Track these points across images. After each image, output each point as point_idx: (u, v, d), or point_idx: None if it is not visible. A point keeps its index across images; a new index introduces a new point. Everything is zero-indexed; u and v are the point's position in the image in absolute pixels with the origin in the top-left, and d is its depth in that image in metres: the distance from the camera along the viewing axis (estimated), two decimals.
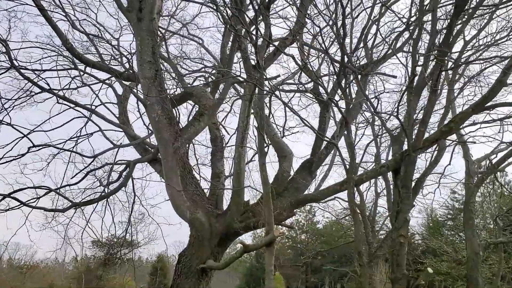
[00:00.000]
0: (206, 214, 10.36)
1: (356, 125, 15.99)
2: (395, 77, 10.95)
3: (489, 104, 8.79)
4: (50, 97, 12.31)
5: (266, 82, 10.50)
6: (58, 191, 12.62)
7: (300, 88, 13.57)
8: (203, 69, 14.32)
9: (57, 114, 11.53)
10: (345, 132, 9.54)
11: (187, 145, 12.92)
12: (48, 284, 26.77)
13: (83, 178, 13.24)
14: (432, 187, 33.50)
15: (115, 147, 11.24)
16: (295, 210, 10.83)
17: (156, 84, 10.12)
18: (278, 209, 11.03)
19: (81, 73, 12.94)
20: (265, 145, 8.39)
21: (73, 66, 12.90)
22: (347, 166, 8.47)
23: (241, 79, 9.07)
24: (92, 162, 11.16)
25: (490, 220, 20.36)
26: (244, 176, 9.97)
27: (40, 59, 12.80)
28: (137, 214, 15.54)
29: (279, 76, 11.14)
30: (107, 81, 13.46)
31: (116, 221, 14.25)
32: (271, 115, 12.10)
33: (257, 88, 8.20)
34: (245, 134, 9.22)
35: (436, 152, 12.10)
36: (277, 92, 12.41)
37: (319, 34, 9.62)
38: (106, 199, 13.53)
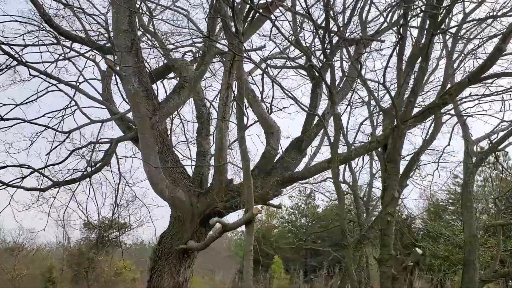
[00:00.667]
0: (186, 193, 9.82)
1: (351, 104, 15.33)
2: (382, 41, 10.26)
3: (487, 74, 8.16)
4: (37, 76, 11.70)
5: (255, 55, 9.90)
6: (43, 171, 12.18)
7: (291, 64, 12.91)
8: (192, 44, 13.69)
9: (43, 94, 10.90)
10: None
11: (171, 121, 12.38)
12: (47, 267, 26.53)
13: (67, 157, 12.71)
14: (431, 169, 32.90)
15: (92, 122, 10.65)
16: (281, 189, 10.26)
17: (133, 55, 9.51)
18: (264, 187, 10.52)
19: (65, 49, 12.30)
20: (244, 117, 7.78)
21: (55, 41, 12.27)
22: (331, 140, 7.86)
23: (220, 47, 8.43)
24: (67, 138, 10.58)
25: (492, 204, 19.78)
26: (226, 152, 9.39)
27: (22, 34, 12.16)
28: (129, 196, 15.03)
29: (264, 46, 10.47)
30: (90, 56, 12.82)
31: (108, 203, 13.84)
32: (259, 91, 11.45)
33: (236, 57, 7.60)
34: (226, 107, 8.61)
35: (432, 128, 11.48)
36: (265, 67, 11.80)
37: None
38: (89, 178, 13.06)
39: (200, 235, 10.43)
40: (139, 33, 12.99)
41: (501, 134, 13.51)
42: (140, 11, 12.08)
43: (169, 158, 9.82)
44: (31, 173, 11.48)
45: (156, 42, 13.38)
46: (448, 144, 14.36)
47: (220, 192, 9.69)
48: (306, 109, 8.45)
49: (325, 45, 7.32)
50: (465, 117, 13.58)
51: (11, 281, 22.69)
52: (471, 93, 10.18)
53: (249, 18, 8.86)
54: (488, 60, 7.64)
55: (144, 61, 9.83)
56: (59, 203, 13.34)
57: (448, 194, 37.32)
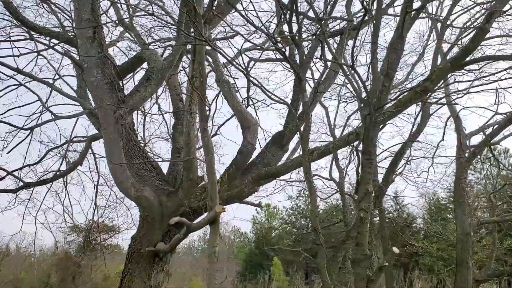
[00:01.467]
0: (155, 192, 9.21)
1: (339, 98, 14.69)
2: (351, 21, 9.60)
3: (471, 58, 7.55)
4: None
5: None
6: (20, 172, 11.67)
7: (274, 57, 12.30)
8: (171, 39, 13.09)
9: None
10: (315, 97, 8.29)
11: (144, 115, 11.80)
12: (43, 271, 26.02)
13: (43, 157, 12.16)
14: (426, 166, 32.14)
15: (56, 118, 10.03)
16: (258, 187, 9.64)
17: (95, 45, 8.92)
18: (240, 185, 9.92)
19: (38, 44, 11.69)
20: (206, 108, 7.17)
21: (28, 36, 11.67)
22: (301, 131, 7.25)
23: (184, 35, 7.83)
24: (29, 135, 9.96)
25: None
26: (195, 146, 8.78)
27: None
28: (115, 197, 14.42)
29: (235, 35, 9.83)
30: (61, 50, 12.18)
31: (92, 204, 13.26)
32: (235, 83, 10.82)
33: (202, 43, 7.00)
34: (192, 99, 8.00)
35: (420, 120, 10.84)
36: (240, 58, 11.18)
37: None
38: (63, 178, 12.49)
39: (174, 237, 9.84)
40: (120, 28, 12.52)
41: (496, 127, 12.89)
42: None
43: (136, 155, 9.20)
44: (5, 176, 10.93)
45: (133, 35, 12.85)
46: (442, 139, 13.69)
47: (189, 190, 9.09)
48: (277, 99, 7.79)
49: (291, 25, 6.69)
50: (457, 110, 12.95)
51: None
52: (455, 79, 9.50)
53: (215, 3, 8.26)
54: (471, 42, 7.04)
55: (107, 51, 9.19)
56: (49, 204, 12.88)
57: (449, 192, 36.61)
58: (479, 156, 15.14)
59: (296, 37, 6.82)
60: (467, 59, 7.37)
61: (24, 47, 11.26)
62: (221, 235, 9.67)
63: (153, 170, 9.50)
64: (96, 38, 8.93)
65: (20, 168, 11.78)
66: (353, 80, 7.67)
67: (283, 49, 7.22)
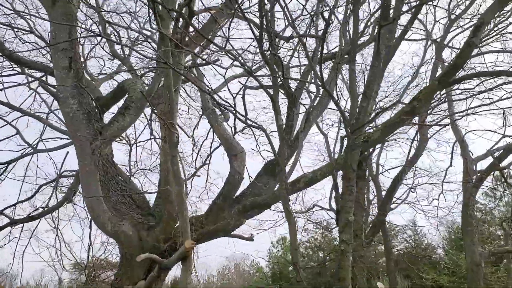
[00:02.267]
0: (134, 226, 8.70)
1: (339, 124, 14.17)
2: (314, 36, 9.11)
3: (459, 76, 7.05)
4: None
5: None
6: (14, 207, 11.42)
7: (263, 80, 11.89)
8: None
9: None
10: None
11: (130, 148, 11.38)
12: None
13: (34, 194, 11.88)
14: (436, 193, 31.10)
15: (35, 152, 9.72)
16: (244, 219, 9.08)
17: (72, 75, 8.63)
18: (226, 217, 9.39)
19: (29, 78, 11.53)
20: (176, 135, 6.71)
21: (19, 71, 11.52)
22: (277, 156, 6.74)
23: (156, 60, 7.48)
24: (6, 168, 9.62)
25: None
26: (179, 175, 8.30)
27: None
28: None
29: (217, 60, 9.44)
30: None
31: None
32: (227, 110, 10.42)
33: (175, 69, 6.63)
34: (172, 125, 7.57)
35: (418, 143, 10.24)
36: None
37: None
38: (50, 214, 12.13)
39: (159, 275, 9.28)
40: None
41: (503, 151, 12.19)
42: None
43: (114, 188, 8.77)
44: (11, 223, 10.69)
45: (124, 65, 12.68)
46: (450, 165, 13.03)
47: (168, 224, 8.58)
48: (254, 124, 7.31)
49: (262, 46, 6.27)
50: (462, 133, 12.33)
51: None
52: (440, 98, 8.93)
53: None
54: (458, 57, 6.54)
55: (84, 81, 8.88)
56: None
57: None
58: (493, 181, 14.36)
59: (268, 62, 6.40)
60: (456, 76, 6.90)
61: (10, 81, 10.88)
62: (195, 272, 9.02)
63: (133, 203, 9.02)
64: (73, 68, 8.65)
65: (14, 205, 11.52)
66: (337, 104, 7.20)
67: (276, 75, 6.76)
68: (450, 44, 11.37)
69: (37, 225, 11.98)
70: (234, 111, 6.61)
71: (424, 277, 15.65)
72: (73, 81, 8.61)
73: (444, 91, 10.54)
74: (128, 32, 13.31)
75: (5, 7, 9.69)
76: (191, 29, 8.57)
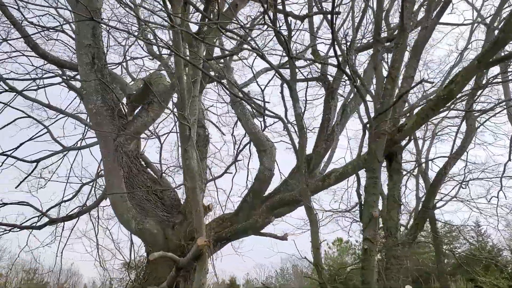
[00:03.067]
0: (159, 224, 8.46)
1: None
2: (338, 13, 8.38)
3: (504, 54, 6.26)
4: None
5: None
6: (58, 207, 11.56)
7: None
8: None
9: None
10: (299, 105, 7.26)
11: (161, 145, 11.17)
12: None
13: (77, 193, 11.98)
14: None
15: (65, 150, 9.69)
16: (272, 217, 8.59)
17: (96, 69, 8.50)
18: (256, 215, 8.96)
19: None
20: (188, 127, 6.34)
21: (60, 73, 11.63)
22: (297, 148, 6.21)
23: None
24: (36, 167, 9.62)
25: None
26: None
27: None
28: None
29: (235, 53, 9.00)
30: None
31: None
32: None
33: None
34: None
35: (465, 134, 9.36)
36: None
37: None
38: (88, 214, 12.17)
39: (186, 274, 9.01)
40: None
41: None
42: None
43: (139, 185, 8.55)
44: (42, 215, 10.75)
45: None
46: (509, 159, 11.93)
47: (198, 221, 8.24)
48: (270, 114, 6.79)
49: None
50: None
51: None
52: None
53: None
54: (501, 32, 5.79)
55: (108, 77, 8.72)
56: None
57: None
58: None
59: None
60: (498, 55, 6.15)
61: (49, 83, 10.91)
62: (214, 272, 8.64)
63: (158, 201, 8.77)
64: (96, 64, 8.52)
65: (58, 205, 11.64)
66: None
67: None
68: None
69: (75, 224, 12.03)
70: (248, 100, 6.15)
71: (479, 280, 14.48)
72: (96, 76, 8.48)
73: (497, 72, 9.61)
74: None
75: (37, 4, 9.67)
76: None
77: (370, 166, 5.55)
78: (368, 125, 5.49)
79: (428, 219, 14.69)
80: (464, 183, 11.57)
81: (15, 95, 9.13)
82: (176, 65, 6.28)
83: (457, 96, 8.48)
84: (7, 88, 9.74)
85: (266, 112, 6.94)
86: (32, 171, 9.35)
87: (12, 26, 10.27)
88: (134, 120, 8.70)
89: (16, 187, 9.48)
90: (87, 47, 8.56)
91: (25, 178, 9.44)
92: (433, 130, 13.25)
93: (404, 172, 12.28)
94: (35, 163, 9.33)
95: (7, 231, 10.87)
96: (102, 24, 8.99)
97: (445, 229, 25.67)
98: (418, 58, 7.93)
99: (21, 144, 9.82)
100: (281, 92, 10.14)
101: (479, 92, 8.91)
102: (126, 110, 8.96)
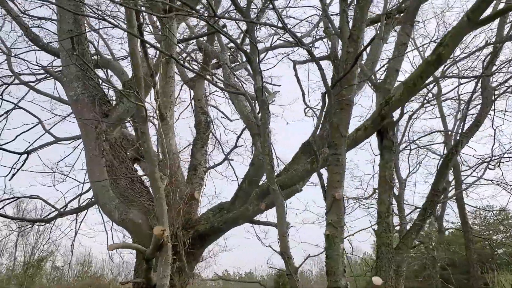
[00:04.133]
0: (144, 214, 8.07)
1: None
2: None
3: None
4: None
5: None
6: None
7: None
8: None
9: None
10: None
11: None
12: None
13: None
14: None
15: (57, 141, 9.50)
16: (263, 203, 8.00)
17: (76, 56, 8.18)
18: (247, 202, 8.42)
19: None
20: (144, 108, 5.84)
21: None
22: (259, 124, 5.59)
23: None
24: (26, 159, 9.44)
25: None
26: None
27: None
28: None
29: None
30: None
31: None
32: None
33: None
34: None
35: (480, 106, 8.38)
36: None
37: None
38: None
39: (182, 267, 8.62)
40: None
41: None
42: None
43: (122, 173, 8.18)
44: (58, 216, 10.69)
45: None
46: None
47: (180, 210, 7.81)
48: (233, 90, 6.19)
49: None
50: None
51: None
52: None
53: None
54: None
55: (91, 63, 8.41)
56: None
57: None
58: None
59: None
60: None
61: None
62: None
63: (144, 189, 8.38)
64: (77, 49, 8.20)
65: (77, 197, 11.55)
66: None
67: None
68: None
69: (85, 216, 11.90)
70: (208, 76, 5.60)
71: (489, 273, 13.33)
72: (78, 62, 8.18)
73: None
74: None
75: None
76: None
77: (332, 141, 4.86)
78: (327, 95, 4.79)
79: (457, 204, 13.61)
80: (492, 163, 10.48)
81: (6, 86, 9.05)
82: (129, 40, 5.81)
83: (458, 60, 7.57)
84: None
85: (230, 88, 6.33)
86: (24, 163, 9.20)
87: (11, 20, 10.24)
88: (116, 106, 8.34)
89: (9, 180, 9.38)
90: (68, 32, 8.28)
91: (18, 170, 9.31)
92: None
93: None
94: (26, 155, 9.18)
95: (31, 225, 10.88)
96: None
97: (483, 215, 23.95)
98: (411, 23, 7.13)
99: (17, 137, 9.75)
100: (296, 75, 9.57)
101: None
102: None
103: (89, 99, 8.10)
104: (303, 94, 9.83)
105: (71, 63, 8.07)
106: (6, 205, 11.37)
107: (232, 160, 10.51)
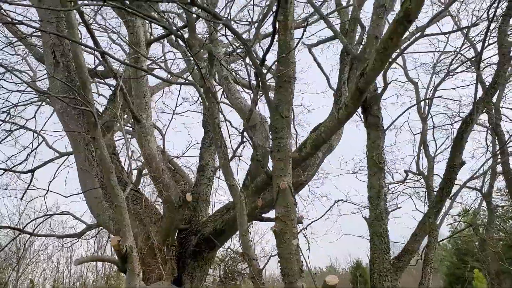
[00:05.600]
0: (140, 222, 7.79)
1: None
2: None
3: None
4: None
5: None
6: None
7: None
8: None
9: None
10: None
11: (163, 138, 10.50)
12: None
13: None
14: None
15: (61, 156, 9.44)
16: (259, 199, 7.44)
17: (61, 69, 8.08)
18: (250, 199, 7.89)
19: None
20: (91, 113, 5.51)
21: None
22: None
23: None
24: (32, 177, 9.39)
25: None
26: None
27: None
28: None
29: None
30: None
31: None
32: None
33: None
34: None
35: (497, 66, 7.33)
36: None
37: None
38: None
39: (194, 271, 8.32)
40: None
41: None
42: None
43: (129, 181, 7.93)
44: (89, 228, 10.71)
45: None
46: None
47: (178, 212, 7.47)
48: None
49: None
50: None
51: None
52: None
53: None
54: None
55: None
56: None
57: None
58: None
59: None
60: None
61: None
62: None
63: (138, 197, 8.10)
64: (61, 62, 8.09)
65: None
66: None
67: None
68: None
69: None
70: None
71: None
72: (63, 75, 8.06)
73: None
74: None
75: None
76: None
77: (272, 125, 4.26)
78: (257, 75, 4.19)
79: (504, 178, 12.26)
80: None
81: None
82: (70, 43, 5.51)
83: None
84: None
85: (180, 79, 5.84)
86: (30, 182, 9.22)
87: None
88: (103, 114, 8.13)
89: (21, 199, 9.46)
90: (51, 46, 8.18)
91: (27, 189, 9.36)
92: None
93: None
94: (31, 173, 9.21)
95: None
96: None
97: None
98: None
99: (28, 156, 9.86)
100: (315, 60, 8.98)
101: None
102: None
103: (76, 110, 7.93)
104: (327, 78, 9.23)
105: (57, 76, 7.94)
106: (40, 223, 11.72)
107: (241, 156, 10.01)
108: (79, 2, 5.48)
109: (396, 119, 7.24)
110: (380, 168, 5.78)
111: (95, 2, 5.15)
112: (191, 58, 5.68)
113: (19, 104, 9.78)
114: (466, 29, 9.55)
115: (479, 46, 8.91)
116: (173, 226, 7.66)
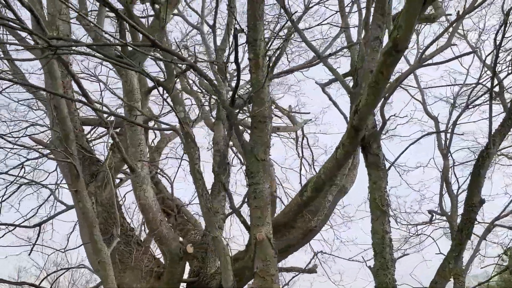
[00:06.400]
0: (143, 276, 7.43)
1: None
2: None
3: None
4: None
5: None
6: None
7: None
8: None
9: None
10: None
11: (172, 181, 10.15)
12: None
13: None
14: None
15: (69, 208, 9.28)
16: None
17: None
18: None
19: None
20: (72, 163, 5.32)
21: None
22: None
23: None
24: (39, 232, 9.19)
25: None
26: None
27: None
28: None
29: None
30: None
31: None
32: None
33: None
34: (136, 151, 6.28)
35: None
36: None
37: None
38: None
39: None
40: None
41: None
42: None
43: (116, 234, 7.65)
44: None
45: None
46: None
47: (172, 266, 7.11)
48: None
49: None
50: None
51: None
52: None
53: None
54: None
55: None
56: None
57: None
58: None
59: None
60: None
61: None
62: None
63: (140, 248, 7.77)
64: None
65: None
66: None
67: None
68: None
69: None
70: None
71: None
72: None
73: None
74: None
75: None
76: None
77: (248, 169, 3.92)
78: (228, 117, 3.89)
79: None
80: None
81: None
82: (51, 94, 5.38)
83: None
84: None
85: None
86: (38, 236, 9.05)
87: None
88: (106, 160, 7.96)
89: (29, 255, 9.24)
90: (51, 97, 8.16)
91: (34, 244, 9.16)
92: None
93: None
94: (38, 227, 9.05)
95: None
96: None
97: None
98: (381, 12, 6.04)
99: (37, 211, 9.78)
100: (331, 99, 8.70)
101: None
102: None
103: (81, 161, 7.80)
104: (345, 117, 8.88)
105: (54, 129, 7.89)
106: (59, 276, 11.51)
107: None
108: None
109: (400, 155, 6.74)
110: (383, 211, 5.29)
111: (73, 51, 5.00)
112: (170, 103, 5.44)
113: (29, 158, 9.75)
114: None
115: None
116: (176, 279, 7.25)
